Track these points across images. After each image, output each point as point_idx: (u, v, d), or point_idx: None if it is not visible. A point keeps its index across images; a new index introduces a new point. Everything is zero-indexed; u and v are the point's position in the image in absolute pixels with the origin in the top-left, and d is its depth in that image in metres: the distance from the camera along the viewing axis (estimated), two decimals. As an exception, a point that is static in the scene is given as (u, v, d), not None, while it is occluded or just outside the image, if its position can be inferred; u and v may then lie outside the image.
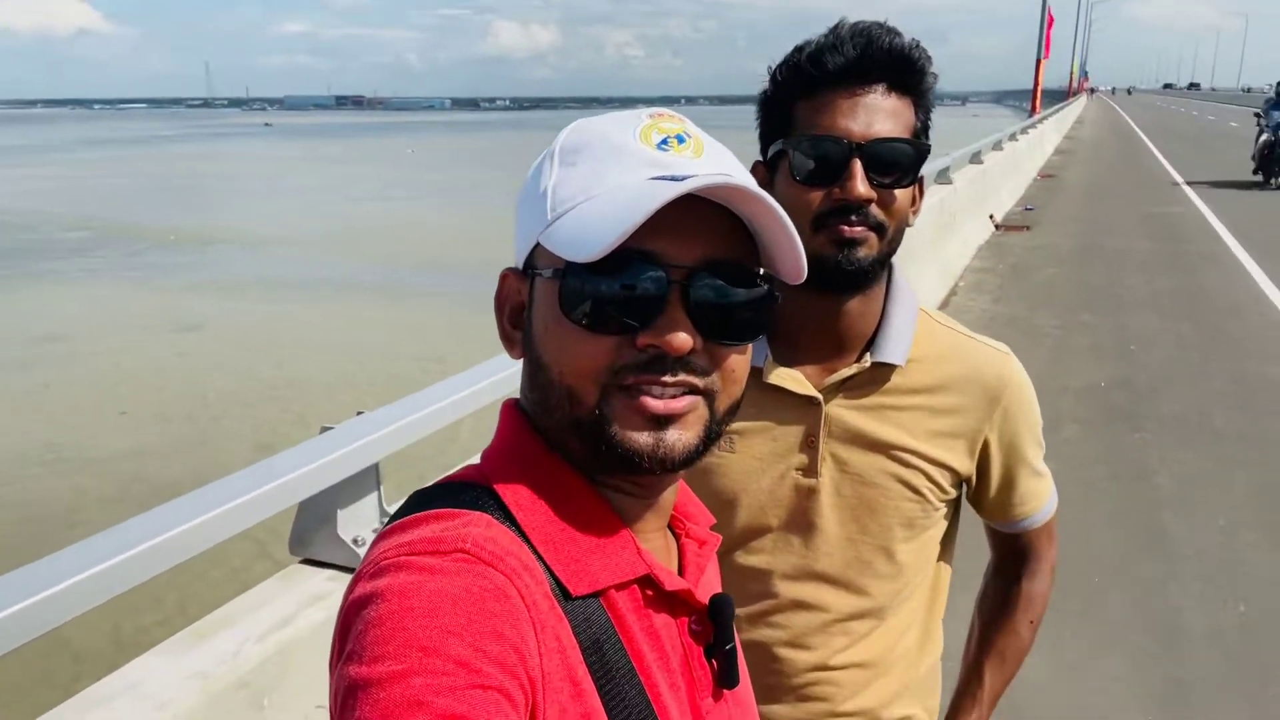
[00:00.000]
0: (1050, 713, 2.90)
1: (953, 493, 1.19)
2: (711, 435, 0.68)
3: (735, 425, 1.04)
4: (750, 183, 0.65)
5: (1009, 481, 1.22)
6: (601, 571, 0.66)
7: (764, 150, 1.15)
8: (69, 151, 53.42)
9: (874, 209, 1.06)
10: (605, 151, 0.67)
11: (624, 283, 0.63)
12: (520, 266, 0.71)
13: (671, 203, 0.60)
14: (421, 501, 0.67)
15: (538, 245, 0.67)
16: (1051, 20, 27.56)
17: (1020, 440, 1.20)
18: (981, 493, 1.23)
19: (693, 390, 0.66)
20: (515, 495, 0.67)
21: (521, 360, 0.72)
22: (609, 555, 0.67)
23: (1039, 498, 1.26)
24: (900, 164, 1.06)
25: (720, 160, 0.68)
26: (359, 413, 2.13)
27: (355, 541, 2.06)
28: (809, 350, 1.15)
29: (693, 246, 0.65)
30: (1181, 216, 13.48)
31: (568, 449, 0.68)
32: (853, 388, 1.14)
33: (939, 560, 1.24)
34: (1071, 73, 61.39)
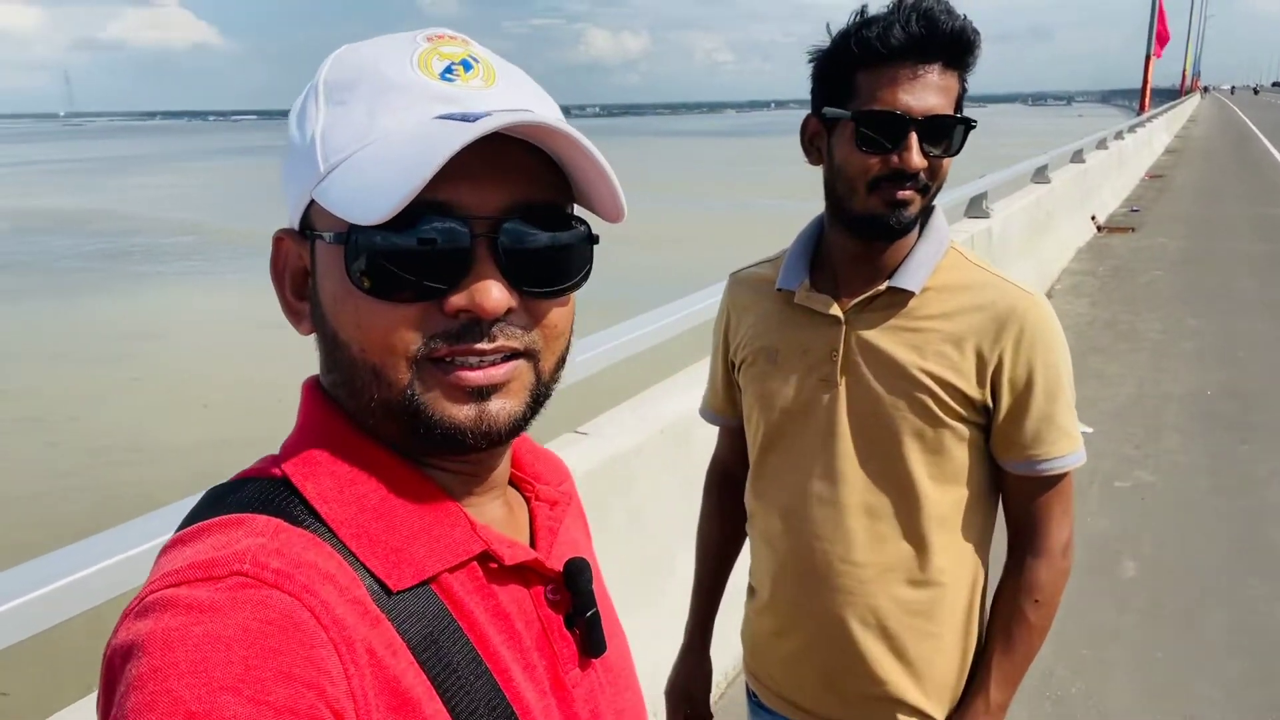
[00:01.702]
0: (1136, 737, 2.72)
1: (966, 415, 1.25)
2: (539, 398, 0.62)
3: (775, 341, 1.33)
4: (553, 118, 0.58)
5: (1018, 414, 1.25)
6: (428, 558, 0.59)
7: (816, 105, 1.25)
8: (184, 160, 56.22)
9: (922, 174, 1.19)
10: (380, 86, 0.58)
11: (421, 241, 0.55)
12: (296, 227, 0.62)
13: (470, 145, 0.53)
14: (212, 503, 0.59)
15: (313, 203, 0.59)
16: (1163, 15, 26.34)
17: (1035, 376, 1.24)
18: (994, 426, 1.27)
19: (513, 354, 0.59)
20: (318, 487, 0.59)
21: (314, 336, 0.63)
22: (436, 538, 0.60)
23: (1053, 444, 1.26)
24: (950, 137, 1.20)
25: (516, 89, 0.60)
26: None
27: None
28: (844, 280, 1.29)
29: (497, 192, 0.57)
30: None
31: (382, 431, 0.61)
32: (873, 310, 1.27)
33: (971, 513, 1.29)
34: (1184, 71, 58.69)
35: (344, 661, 0.52)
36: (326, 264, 0.59)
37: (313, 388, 0.65)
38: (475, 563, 0.61)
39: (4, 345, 10.76)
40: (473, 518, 0.62)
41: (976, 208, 7.16)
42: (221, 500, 0.58)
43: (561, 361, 0.63)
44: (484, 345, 0.58)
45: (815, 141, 1.27)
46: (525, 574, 0.64)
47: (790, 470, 1.33)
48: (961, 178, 7.16)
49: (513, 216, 0.58)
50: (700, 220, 19.91)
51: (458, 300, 0.57)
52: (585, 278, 0.62)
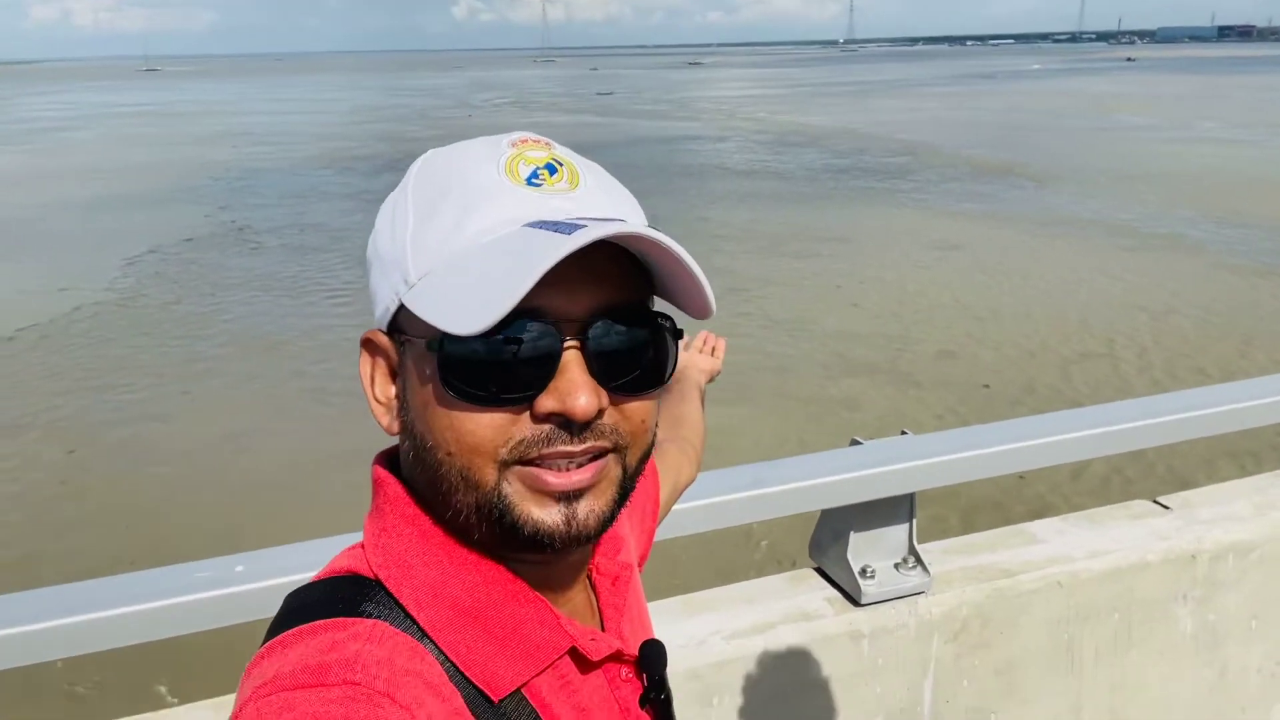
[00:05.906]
0: None
1: None
2: (625, 493, 0.61)
3: None
4: (642, 224, 0.59)
5: None
6: (522, 662, 0.60)
7: None
8: (928, 86, 58.55)
9: None
10: (469, 195, 0.59)
11: (513, 348, 0.56)
12: (384, 329, 0.62)
13: None
14: (302, 609, 0.57)
15: (402, 307, 0.59)
16: None
17: None
18: None
19: (601, 453, 0.59)
20: (414, 591, 0.59)
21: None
22: (526, 637, 0.60)
23: None
24: None
25: (603, 192, 0.61)
26: (903, 432, 1.84)
27: (863, 572, 1.82)
28: None
29: (585, 296, 0.58)
30: None
31: (468, 531, 0.60)
32: None
33: None
34: None
35: None
36: (416, 368, 0.60)
37: (389, 479, 0.64)
38: (568, 654, 0.63)
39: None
40: (557, 610, 0.63)
41: None
42: (313, 605, 0.58)
43: (646, 455, 0.63)
44: (573, 447, 0.58)
45: None
46: (603, 659, 0.65)
47: None
48: None
49: (600, 317, 0.58)
50: None
51: (547, 403, 0.57)
52: (668, 372, 0.62)
